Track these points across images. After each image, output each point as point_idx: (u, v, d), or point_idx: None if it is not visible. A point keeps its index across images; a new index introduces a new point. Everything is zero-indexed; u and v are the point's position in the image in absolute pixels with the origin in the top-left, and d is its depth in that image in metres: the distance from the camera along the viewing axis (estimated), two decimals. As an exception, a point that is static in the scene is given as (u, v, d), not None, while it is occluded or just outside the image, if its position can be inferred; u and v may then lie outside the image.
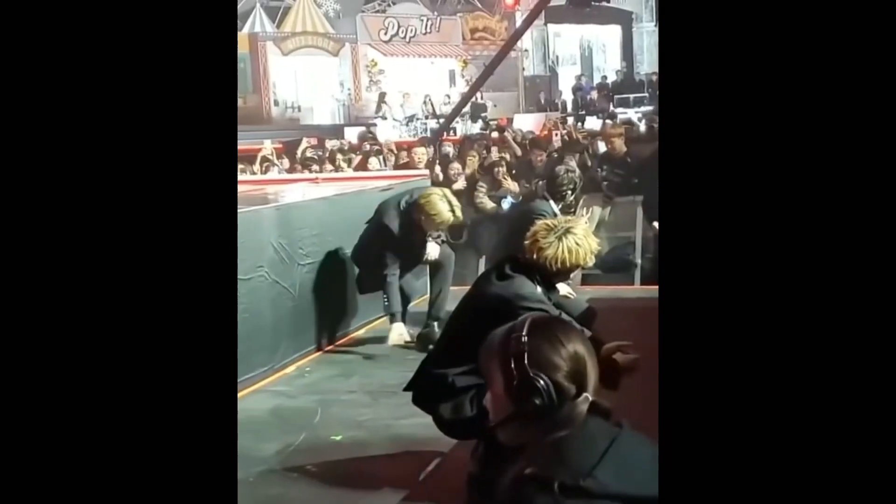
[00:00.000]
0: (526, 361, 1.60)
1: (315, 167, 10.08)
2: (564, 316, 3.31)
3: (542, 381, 1.58)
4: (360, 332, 6.05)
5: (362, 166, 10.17)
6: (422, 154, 9.81)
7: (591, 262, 3.55)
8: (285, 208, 5.67)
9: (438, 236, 5.69)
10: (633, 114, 17.62)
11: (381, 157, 10.54)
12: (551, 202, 6.01)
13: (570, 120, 16.45)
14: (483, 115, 19.86)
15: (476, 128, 18.02)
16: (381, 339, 5.49)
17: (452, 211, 5.41)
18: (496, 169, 8.30)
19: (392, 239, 5.46)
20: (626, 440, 1.57)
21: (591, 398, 1.63)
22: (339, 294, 5.89)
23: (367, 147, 11.93)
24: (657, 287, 6.58)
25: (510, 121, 17.30)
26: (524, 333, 1.63)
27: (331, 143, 12.87)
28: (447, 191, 5.70)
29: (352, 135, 15.88)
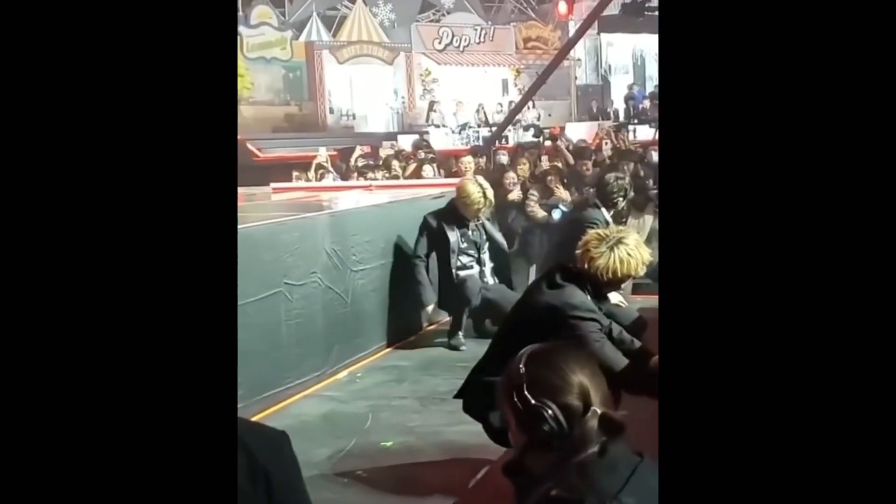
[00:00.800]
0: (526, 391, 1.63)
1: (370, 174, 10.15)
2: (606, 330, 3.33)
3: (548, 410, 1.62)
4: (412, 338, 6.09)
5: (416, 174, 10.22)
6: (468, 163, 9.82)
7: (642, 272, 3.54)
8: (339, 215, 5.73)
9: (480, 222, 6.04)
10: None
11: (434, 165, 10.58)
12: (602, 210, 5.99)
13: (622, 130, 16.31)
14: (536, 123, 19.84)
15: (528, 136, 17.98)
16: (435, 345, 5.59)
17: (484, 193, 5.85)
18: (548, 178, 8.27)
19: (430, 230, 5.90)
20: (647, 469, 1.60)
21: (599, 411, 1.65)
22: (393, 300, 5.95)
23: (422, 155, 11.98)
24: (653, 296, 6.52)
25: (563, 129, 17.25)
26: (522, 364, 1.67)
27: (385, 151, 12.93)
28: (480, 177, 6.26)
29: (405, 142, 15.96)
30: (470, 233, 5.95)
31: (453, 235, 5.88)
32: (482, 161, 10.74)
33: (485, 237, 6.03)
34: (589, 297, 3.38)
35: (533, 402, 1.63)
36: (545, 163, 9.78)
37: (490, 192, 5.97)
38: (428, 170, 10.17)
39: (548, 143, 12.36)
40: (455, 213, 5.93)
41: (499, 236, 6.27)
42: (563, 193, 8.00)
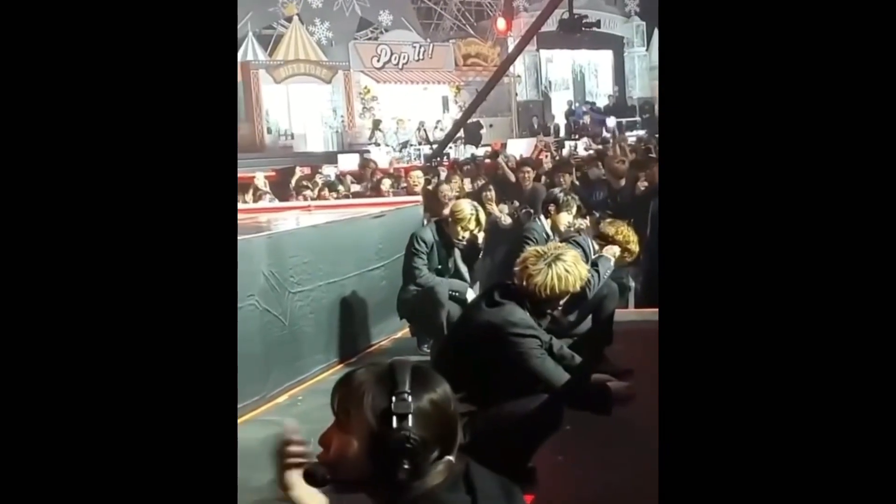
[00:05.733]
0: (410, 422, 1.43)
1: (309, 194, 10.05)
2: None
3: (415, 440, 1.44)
4: (353, 360, 6.01)
5: (377, 189, 10.17)
6: (418, 178, 9.84)
7: (579, 287, 3.53)
8: (276, 237, 5.64)
9: (463, 241, 5.88)
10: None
11: (394, 180, 10.58)
12: (541, 221, 6.04)
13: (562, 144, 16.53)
14: (481, 132, 19.95)
15: (470, 152, 18.06)
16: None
17: (476, 216, 5.77)
18: (484, 194, 8.28)
19: (428, 252, 5.78)
20: (475, 472, 1.51)
21: (453, 461, 1.51)
22: (333, 321, 5.87)
23: (372, 170, 11.97)
24: (652, 310, 6.58)
25: (504, 146, 17.34)
26: (407, 389, 1.46)
27: (324, 177, 12.68)
28: (475, 202, 6.12)
29: (345, 162, 15.88)
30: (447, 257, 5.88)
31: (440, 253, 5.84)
32: (432, 178, 10.74)
33: (451, 266, 5.96)
34: (528, 314, 3.37)
35: (409, 436, 1.43)
36: (482, 179, 9.79)
37: (482, 216, 5.92)
38: (387, 182, 10.05)
39: (488, 159, 12.38)
40: (442, 232, 5.88)
41: (464, 269, 6.17)
42: (496, 210, 8.01)
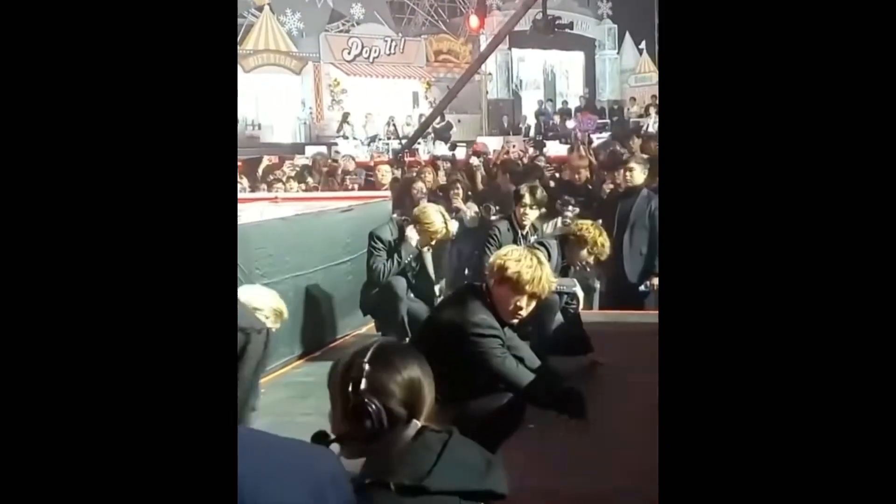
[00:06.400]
0: (363, 387, 1.73)
1: (278, 185, 9.98)
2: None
3: (373, 406, 1.72)
4: (318, 353, 5.99)
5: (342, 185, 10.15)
6: (385, 172, 9.80)
7: (547, 291, 3.52)
8: (243, 228, 5.59)
9: (428, 249, 5.87)
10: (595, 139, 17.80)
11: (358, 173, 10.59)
12: (506, 221, 6.09)
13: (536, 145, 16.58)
14: (451, 131, 19.94)
15: (441, 149, 18.05)
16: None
17: (446, 223, 5.71)
18: (452, 191, 8.30)
19: (387, 249, 5.68)
20: (456, 443, 1.75)
21: (420, 425, 1.77)
22: (297, 315, 5.83)
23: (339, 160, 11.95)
24: (616, 312, 6.64)
25: (484, 146, 17.34)
26: (366, 360, 1.76)
27: (295, 167, 12.56)
28: (441, 207, 6.03)
29: (313, 153, 15.80)
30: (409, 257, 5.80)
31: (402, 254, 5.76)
32: (395, 171, 10.71)
33: (417, 265, 5.91)
34: (490, 315, 3.37)
35: (365, 400, 1.71)
36: (447, 177, 9.79)
37: (452, 225, 5.88)
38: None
39: (473, 159, 12.29)
40: (401, 234, 5.77)
41: (430, 266, 6.13)
42: (462, 206, 8.03)
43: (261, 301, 3.72)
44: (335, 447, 1.78)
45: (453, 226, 5.89)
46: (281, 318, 3.79)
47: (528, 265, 3.34)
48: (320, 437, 1.77)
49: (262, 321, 3.07)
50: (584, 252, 5.24)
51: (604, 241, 5.27)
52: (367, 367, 1.74)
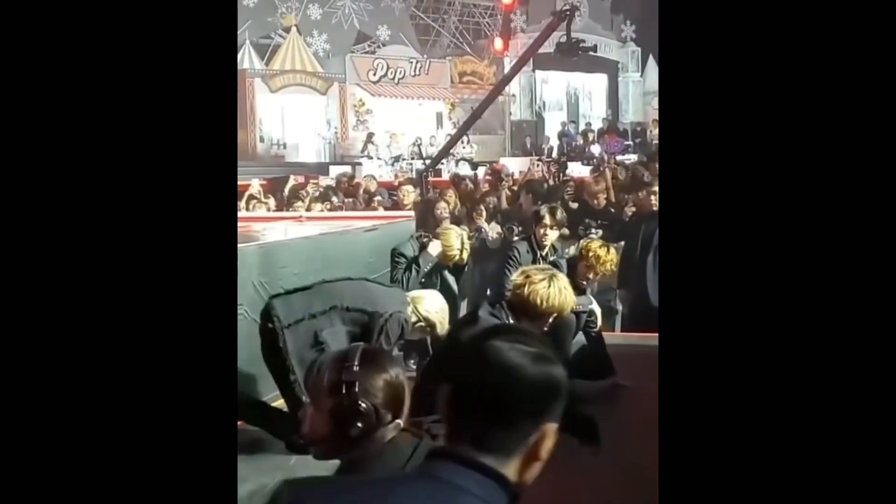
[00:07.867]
0: (357, 389, 1.78)
1: (300, 204, 10.04)
2: None
3: (365, 407, 1.77)
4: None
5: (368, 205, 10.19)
6: (409, 192, 9.81)
7: (567, 311, 3.61)
8: (268, 247, 5.65)
9: (446, 267, 6.10)
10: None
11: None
12: (525, 242, 6.11)
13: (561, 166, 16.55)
14: (470, 157, 19.99)
15: (464, 169, 18.07)
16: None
17: (462, 249, 5.96)
18: (474, 212, 8.33)
19: (409, 265, 5.87)
20: (424, 449, 1.74)
21: (402, 425, 1.84)
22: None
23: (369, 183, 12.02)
24: (639, 334, 6.58)
25: (505, 167, 17.35)
26: (356, 363, 1.80)
27: (319, 188, 12.52)
28: (464, 232, 6.29)
29: (337, 173, 15.86)
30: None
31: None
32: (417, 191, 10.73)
33: (438, 281, 6.11)
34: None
35: (359, 400, 1.77)
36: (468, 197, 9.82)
37: (466, 254, 6.12)
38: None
39: (489, 177, 12.32)
40: (422, 250, 5.98)
41: (452, 282, 6.33)
42: (485, 226, 8.06)
43: (433, 305, 4.11)
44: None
45: (466, 254, 6.10)
46: (442, 327, 4.12)
47: (556, 289, 3.45)
48: (294, 447, 1.85)
49: (406, 312, 3.91)
50: (587, 266, 5.32)
51: (610, 257, 5.34)
52: (357, 368, 1.80)
